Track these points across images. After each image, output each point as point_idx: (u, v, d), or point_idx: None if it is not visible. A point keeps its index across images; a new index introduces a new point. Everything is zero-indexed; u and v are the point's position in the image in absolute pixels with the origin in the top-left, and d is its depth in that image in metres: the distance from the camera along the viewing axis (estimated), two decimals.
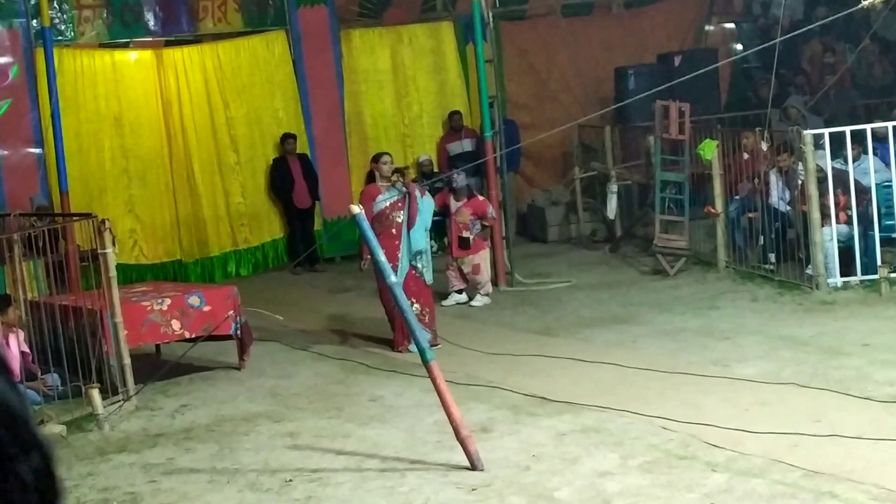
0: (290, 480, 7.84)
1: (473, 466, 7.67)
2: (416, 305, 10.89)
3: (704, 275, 13.62)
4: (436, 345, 10.70)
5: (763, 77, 17.70)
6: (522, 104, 18.09)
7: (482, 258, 13.30)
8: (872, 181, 12.44)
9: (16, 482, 0.82)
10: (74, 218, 11.82)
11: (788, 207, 12.89)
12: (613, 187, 15.66)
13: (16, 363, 9.76)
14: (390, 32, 17.50)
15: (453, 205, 13.37)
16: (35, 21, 14.87)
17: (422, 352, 7.96)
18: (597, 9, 19.26)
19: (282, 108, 16.82)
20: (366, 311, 12.79)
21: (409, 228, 11.37)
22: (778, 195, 13.05)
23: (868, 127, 12.73)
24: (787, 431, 7.80)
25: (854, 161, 12.63)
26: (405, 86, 17.59)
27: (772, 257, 13.02)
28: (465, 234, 13.23)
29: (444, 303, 13.10)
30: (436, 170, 16.93)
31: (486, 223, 13.31)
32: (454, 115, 17.33)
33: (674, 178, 14.36)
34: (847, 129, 12.63)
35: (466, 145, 16.92)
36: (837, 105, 15.94)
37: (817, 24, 12.29)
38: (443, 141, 17.47)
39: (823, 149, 12.31)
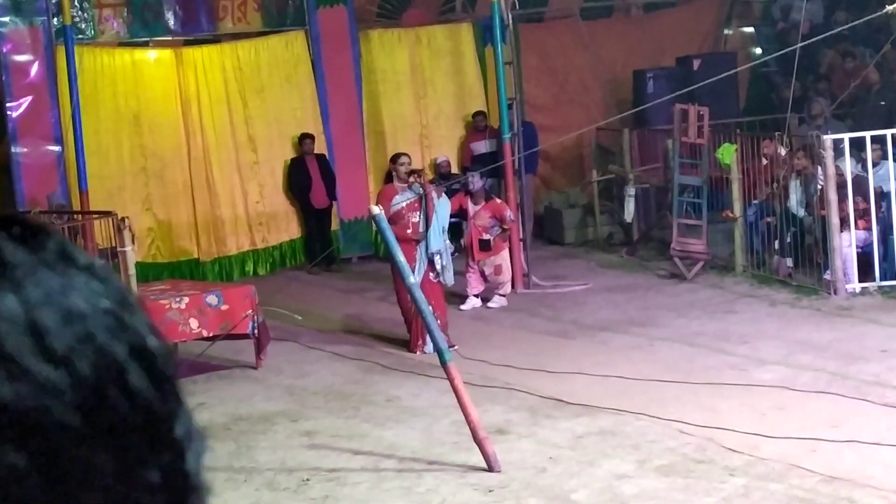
0: (308, 480, 7.86)
1: (490, 468, 7.67)
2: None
3: (722, 279, 13.60)
4: (452, 346, 10.71)
5: (785, 80, 17.66)
6: (541, 106, 18.08)
7: (503, 258, 13.32)
8: (892, 186, 12.40)
9: (142, 486, 0.78)
10: (94, 215, 11.86)
11: (805, 212, 12.86)
12: (631, 190, 15.64)
13: None
14: (409, 33, 17.51)
15: (471, 208, 13.37)
16: (56, 19, 14.92)
17: (440, 353, 7.97)
18: (616, 11, 19.25)
19: (300, 107, 16.84)
20: (382, 311, 12.80)
21: (426, 229, 11.39)
22: (797, 199, 13.02)
23: (889, 132, 12.69)
24: (805, 437, 7.78)
25: (874, 166, 12.60)
26: (423, 87, 17.60)
27: (788, 262, 12.97)
28: (486, 236, 13.24)
29: (462, 306, 13.09)
30: (455, 170, 16.93)
31: (504, 226, 13.32)
32: (478, 115, 17.33)
33: (692, 182, 14.34)
34: (867, 134, 12.60)
35: (490, 145, 16.93)
36: (873, 109, 15.84)
37: (838, 29, 12.23)
38: (467, 140, 17.48)
39: (843, 154, 12.29)
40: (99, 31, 15.66)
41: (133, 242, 10.38)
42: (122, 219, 10.23)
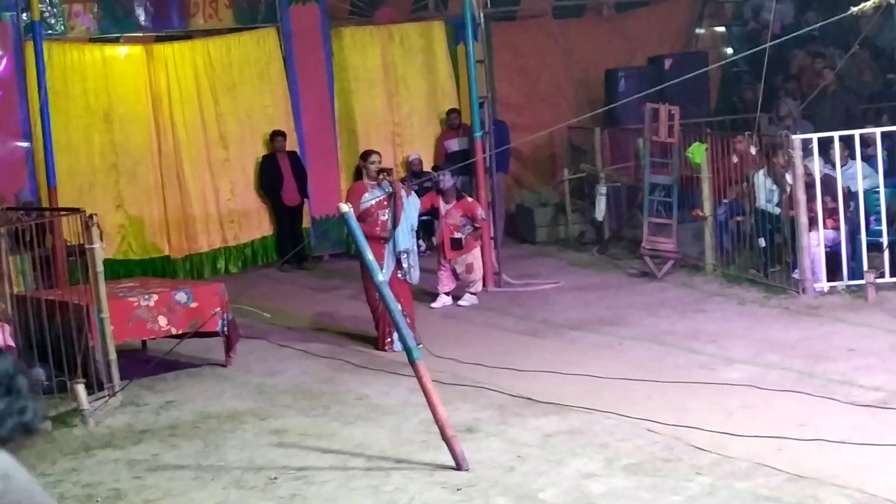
0: (275, 478, 7.84)
1: (459, 466, 7.67)
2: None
3: (692, 278, 13.64)
4: (418, 344, 10.71)
5: (749, 82, 17.74)
6: (512, 105, 18.10)
7: (475, 257, 13.34)
8: (860, 186, 12.48)
9: None
10: (62, 212, 11.79)
11: (778, 209, 12.91)
12: (602, 189, 15.67)
13: None
14: (381, 31, 17.50)
15: (443, 207, 13.38)
16: (25, 15, 14.84)
17: (408, 351, 7.96)
18: (588, 11, 19.29)
19: (272, 105, 16.81)
20: (353, 309, 12.78)
21: (394, 228, 11.38)
22: (765, 197, 13.07)
23: (857, 133, 12.77)
24: (772, 435, 7.81)
25: (842, 166, 12.66)
26: (395, 85, 17.59)
27: (762, 241, 12.96)
28: (457, 235, 13.25)
29: (433, 304, 13.12)
30: (427, 168, 16.92)
31: (476, 225, 13.33)
32: (452, 113, 17.34)
33: (662, 181, 14.38)
34: (836, 134, 12.67)
35: (464, 143, 16.92)
36: (831, 111, 15.96)
37: (808, 28, 12.29)
38: (441, 138, 17.49)
39: (812, 153, 12.35)
40: (69, 27, 15.58)
41: (102, 240, 10.31)
42: (91, 216, 10.17)
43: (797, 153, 12.09)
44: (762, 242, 12.92)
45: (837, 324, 11.05)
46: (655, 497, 6.99)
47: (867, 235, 12.37)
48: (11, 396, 2.07)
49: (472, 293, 13.31)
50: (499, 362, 10.40)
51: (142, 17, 16.00)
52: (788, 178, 12.32)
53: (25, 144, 15.01)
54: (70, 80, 15.63)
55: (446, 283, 13.31)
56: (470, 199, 13.56)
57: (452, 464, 7.70)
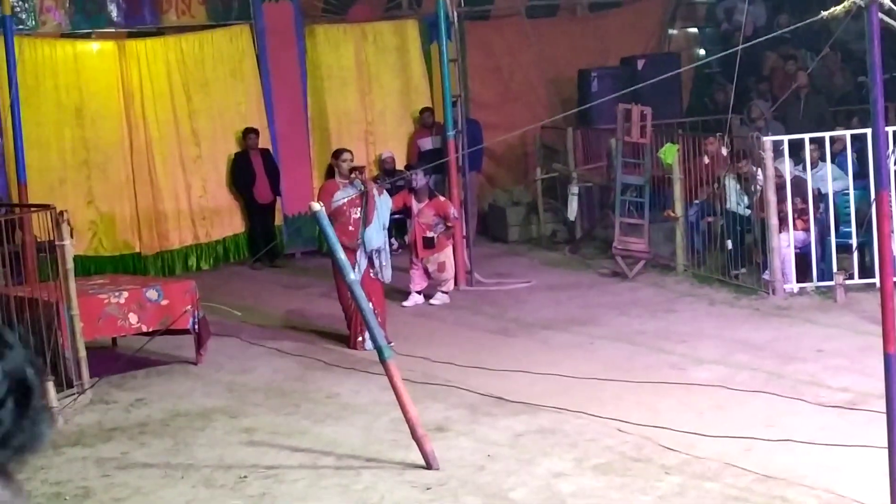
0: (245, 477, 7.83)
1: (429, 465, 7.68)
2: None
3: (663, 278, 13.69)
4: (388, 343, 10.72)
5: (721, 83, 17.82)
6: (485, 104, 18.11)
7: (447, 255, 13.35)
8: (830, 188, 12.55)
9: None
10: (32, 209, 11.73)
11: (748, 211, 12.97)
12: (574, 189, 15.71)
13: None
14: (355, 29, 17.48)
15: (415, 206, 13.38)
16: None
17: (379, 350, 7.97)
18: (561, 11, 19.31)
19: (244, 102, 16.76)
20: (324, 307, 12.77)
21: (365, 226, 11.37)
22: (736, 199, 13.13)
23: (827, 135, 12.85)
24: (740, 436, 7.86)
25: (812, 168, 12.74)
26: (369, 83, 17.58)
27: (729, 244, 12.99)
28: (430, 234, 13.25)
29: (405, 303, 13.12)
30: (400, 167, 16.93)
31: (448, 224, 13.34)
32: (425, 111, 17.34)
33: (634, 182, 14.43)
34: (806, 136, 12.74)
35: (437, 142, 16.92)
36: (803, 113, 16.05)
37: (780, 31, 12.35)
38: (415, 137, 17.48)
39: (782, 155, 12.42)
40: (40, 22, 15.48)
41: (72, 236, 10.26)
42: (61, 212, 10.12)
43: (768, 155, 12.16)
44: (729, 245, 12.99)
45: (807, 325, 11.12)
46: (625, 497, 7.02)
47: (837, 237, 12.45)
48: (27, 405, 1.57)
49: (443, 292, 13.32)
50: (470, 361, 10.41)
51: (114, 13, 15.93)
52: (759, 178, 12.38)
53: None
54: (41, 75, 15.54)
55: (418, 281, 13.31)
56: (442, 199, 13.57)
57: (423, 463, 7.71)
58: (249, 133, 16.37)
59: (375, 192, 11.59)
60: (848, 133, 12.88)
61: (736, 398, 8.88)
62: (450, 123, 14.27)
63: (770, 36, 13.11)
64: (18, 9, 15.02)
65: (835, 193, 12.64)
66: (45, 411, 1.52)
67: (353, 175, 11.56)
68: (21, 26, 15.04)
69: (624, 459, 7.67)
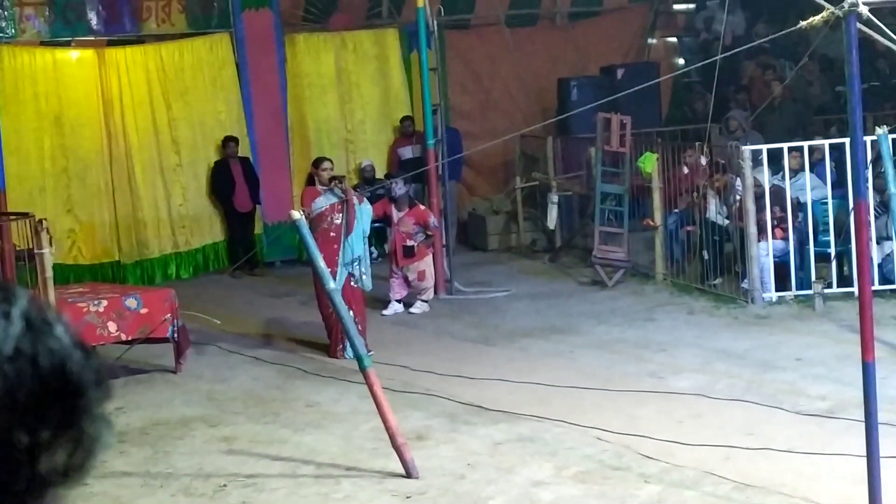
0: (225, 486, 7.81)
1: (408, 474, 7.68)
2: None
3: (642, 287, 13.73)
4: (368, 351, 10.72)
5: (699, 92, 17.89)
6: (465, 113, 18.14)
7: (427, 264, 13.35)
8: (809, 197, 12.61)
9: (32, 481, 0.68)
10: (11, 217, 11.69)
11: (727, 221, 13.03)
12: (554, 198, 15.74)
13: None
14: (335, 38, 17.48)
15: (395, 215, 13.38)
16: None
17: (359, 358, 7.97)
18: (541, 20, 19.35)
19: (224, 110, 16.73)
20: (304, 316, 12.75)
21: (346, 235, 11.37)
22: (715, 209, 13.19)
23: (805, 144, 12.92)
24: (719, 444, 7.89)
25: (792, 177, 12.80)
26: (349, 91, 17.58)
27: (706, 254, 13.05)
28: (409, 242, 13.25)
29: (385, 312, 13.11)
30: (380, 175, 16.93)
31: (428, 232, 13.35)
32: (405, 120, 17.34)
33: (614, 190, 14.47)
34: (785, 146, 12.80)
35: (417, 151, 16.93)
36: (781, 122, 16.12)
37: (759, 41, 12.41)
38: (395, 146, 17.49)
39: (761, 164, 12.47)
40: (20, 30, 15.43)
41: (51, 244, 10.23)
42: (40, 220, 10.09)
43: (747, 164, 12.21)
44: (706, 255, 13.04)
45: (785, 333, 11.17)
46: None
47: (815, 246, 12.50)
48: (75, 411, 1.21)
49: (423, 300, 13.33)
50: (449, 370, 10.42)
51: (94, 21, 15.89)
52: (738, 187, 12.43)
53: None
54: (21, 83, 15.49)
55: (398, 290, 13.31)
56: (422, 207, 13.58)
57: (402, 471, 7.71)
58: (229, 141, 16.35)
59: (356, 200, 11.59)
60: (826, 142, 12.94)
61: (715, 407, 8.91)
62: (430, 132, 14.29)
63: (749, 46, 13.18)
64: None
65: (813, 202, 12.70)
66: (102, 420, 1.06)
67: (333, 184, 11.56)
68: (0, 34, 15.00)
69: (603, 468, 7.69)
